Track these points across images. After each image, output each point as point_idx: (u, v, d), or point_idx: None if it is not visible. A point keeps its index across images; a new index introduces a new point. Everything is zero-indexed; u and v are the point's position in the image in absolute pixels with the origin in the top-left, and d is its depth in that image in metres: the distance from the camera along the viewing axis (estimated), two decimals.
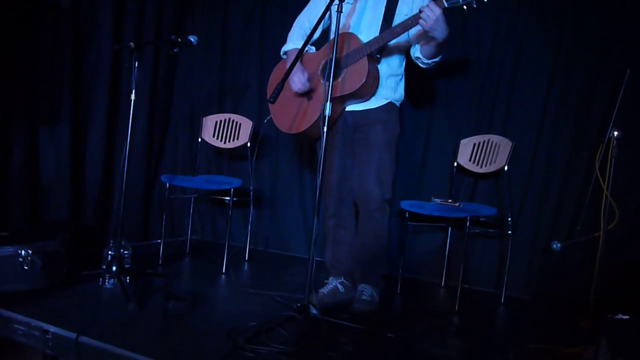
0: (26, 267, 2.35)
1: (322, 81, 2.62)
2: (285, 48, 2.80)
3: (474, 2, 2.22)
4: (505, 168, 3.13)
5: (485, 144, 3.23)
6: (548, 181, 3.19)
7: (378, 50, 2.55)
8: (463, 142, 3.30)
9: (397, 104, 2.73)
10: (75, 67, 3.49)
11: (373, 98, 2.63)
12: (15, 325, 2.06)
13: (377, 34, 2.52)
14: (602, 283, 2.69)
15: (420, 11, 2.26)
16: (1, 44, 3.06)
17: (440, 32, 2.31)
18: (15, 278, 2.34)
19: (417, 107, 3.52)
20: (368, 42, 2.49)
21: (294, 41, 2.77)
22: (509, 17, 3.26)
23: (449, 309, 2.83)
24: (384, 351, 2.10)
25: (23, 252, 2.34)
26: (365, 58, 2.48)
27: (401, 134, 2.78)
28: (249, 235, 3.74)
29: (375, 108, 2.65)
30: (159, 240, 3.43)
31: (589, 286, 2.75)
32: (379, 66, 2.60)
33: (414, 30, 2.51)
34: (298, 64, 2.63)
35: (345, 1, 2.28)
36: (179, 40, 2.74)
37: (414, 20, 2.33)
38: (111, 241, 2.65)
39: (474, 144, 3.27)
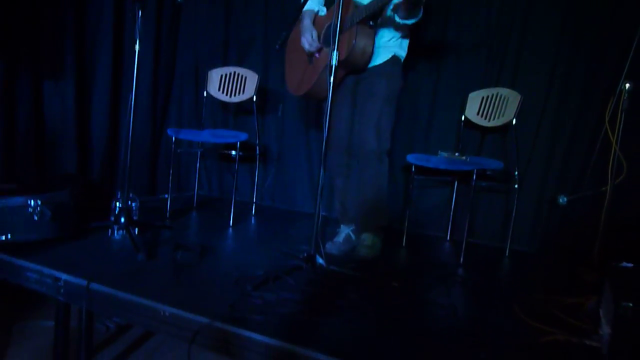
0: (36, 218, 2.37)
1: (322, 46, 2.74)
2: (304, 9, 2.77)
3: None
4: (514, 122, 3.10)
5: (494, 98, 3.19)
6: (556, 135, 3.16)
7: (372, 19, 2.53)
8: (471, 95, 3.26)
9: (402, 59, 2.75)
10: (78, 18, 3.43)
11: (378, 56, 2.64)
12: (28, 273, 2.09)
13: None
14: (607, 237, 2.69)
15: None
16: None
17: None
18: (25, 228, 2.35)
19: (426, 60, 3.46)
20: (357, 10, 2.49)
21: (312, 3, 2.81)
22: None
23: (454, 262, 2.86)
24: (389, 299, 2.13)
25: (32, 202, 2.35)
26: (355, 27, 2.49)
27: (403, 88, 2.79)
28: (255, 190, 3.75)
29: (381, 63, 2.68)
30: (166, 195, 3.46)
31: (594, 240, 2.75)
32: (379, 33, 2.61)
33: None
34: (310, 25, 2.79)
35: None
36: None
37: None
38: (119, 193, 2.66)
39: (482, 98, 3.23)
